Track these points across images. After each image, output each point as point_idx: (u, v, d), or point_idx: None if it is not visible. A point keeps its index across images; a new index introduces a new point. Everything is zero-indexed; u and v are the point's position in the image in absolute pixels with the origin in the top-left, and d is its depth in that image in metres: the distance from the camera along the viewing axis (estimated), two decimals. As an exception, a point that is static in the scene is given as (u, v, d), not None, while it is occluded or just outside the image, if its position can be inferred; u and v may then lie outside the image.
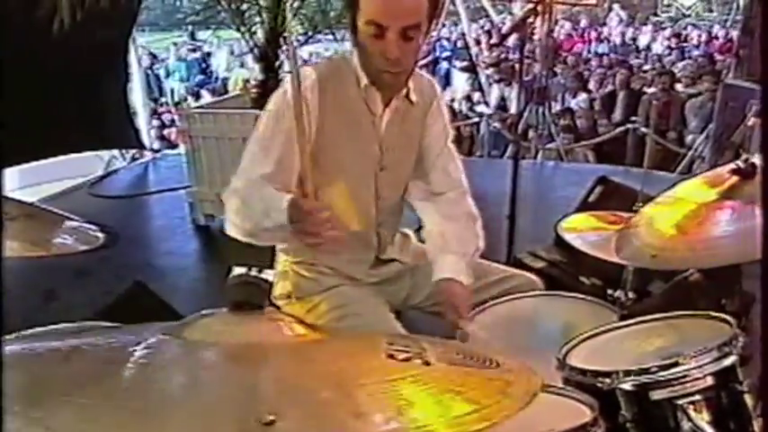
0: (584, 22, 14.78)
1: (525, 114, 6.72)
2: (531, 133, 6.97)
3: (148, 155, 6.58)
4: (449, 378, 0.91)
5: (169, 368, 0.90)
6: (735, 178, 1.57)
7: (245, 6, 4.53)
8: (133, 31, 6.00)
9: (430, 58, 11.34)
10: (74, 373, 0.87)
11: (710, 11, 16.17)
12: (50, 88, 4.47)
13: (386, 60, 1.70)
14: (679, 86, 8.82)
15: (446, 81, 10.98)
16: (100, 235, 1.58)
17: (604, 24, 14.92)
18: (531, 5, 3.53)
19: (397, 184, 1.97)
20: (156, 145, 7.35)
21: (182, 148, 5.34)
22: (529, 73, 7.04)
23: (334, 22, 4.61)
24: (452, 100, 9.56)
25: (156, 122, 8.54)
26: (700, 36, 13.53)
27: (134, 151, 6.46)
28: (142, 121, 6.74)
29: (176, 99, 11.28)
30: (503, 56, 10.59)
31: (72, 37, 4.18)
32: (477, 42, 12.04)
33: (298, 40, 4.78)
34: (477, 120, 8.23)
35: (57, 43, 4.12)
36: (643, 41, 13.60)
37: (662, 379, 1.33)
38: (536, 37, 7.39)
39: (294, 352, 0.94)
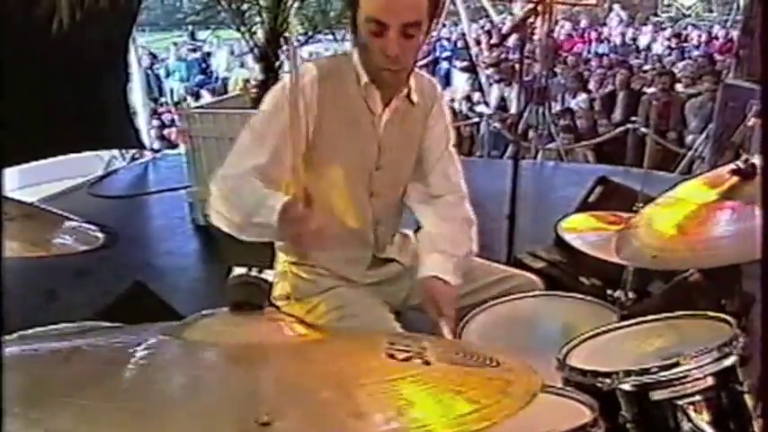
0: (584, 23, 14.78)
1: (525, 114, 6.72)
2: (531, 133, 6.98)
3: (148, 155, 6.58)
4: (449, 378, 0.91)
5: (169, 369, 0.89)
6: (735, 179, 1.57)
7: (245, 6, 4.54)
8: (133, 30, 6.00)
9: (430, 58, 11.35)
10: (74, 374, 0.87)
11: (710, 11, 16.18)
12: (50, 88, 4.47)
13: (386, 58, 1.70)
14: (679, 87, 8.83)
15: (446, 81, 10.98)
16: (100, 235, 1.58)
17: (604, 24, 14.93)
18: (531, 5, 3.53)
19: (394, 185, 1.96)
20: (156, 145, 7.35)
21: (182, 148, 5.35)
22: (529, 73, 7.03)
23: (335, 22, 4.62)
24: (452, 100, 9.56)
25: (155, 122, 8.54)
26: (700, 36, 13.54)
27: (134, 151, 6.46)
28: (142, 120, 6.74)
29: (176, 99, 11.27)
30: (503, 56, 10.59)
31: (72, 37, 4.17)
32: (478, 42, 12.04)
33: (298, 40, 4.78)
34: (477, 120, 8.24)
35: (57, 43, 4.11)
36: (643, 42, 13.60)
37: (662, 379, 1.33)
38: (536, 37, 7.40)
39: (294, 352, 0.94)
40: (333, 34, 4.72)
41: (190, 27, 11.76)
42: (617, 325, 1.62)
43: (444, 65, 11.84)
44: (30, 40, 4.02)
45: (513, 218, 3.32)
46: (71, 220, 1.62)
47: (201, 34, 12.15)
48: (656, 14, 16.23)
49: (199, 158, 4.47)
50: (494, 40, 11.87)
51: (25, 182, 4.57)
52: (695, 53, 11.86)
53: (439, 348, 1.02)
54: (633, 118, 7.08)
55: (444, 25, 12.33)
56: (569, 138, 7.48)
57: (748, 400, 1.34)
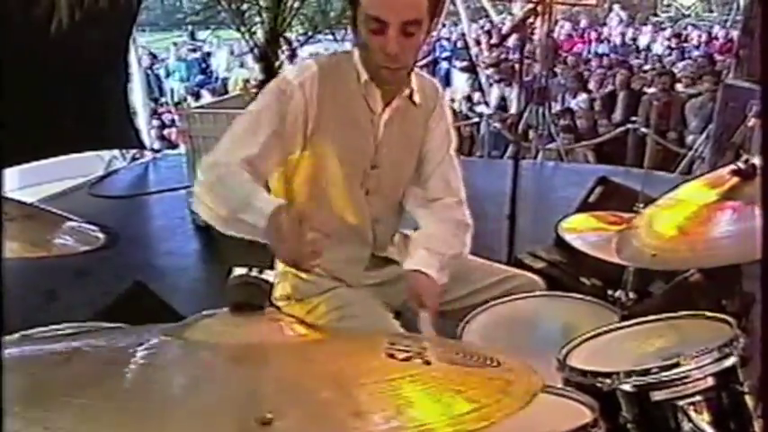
0: (584, 23, 14.77)
1: (525, 114, 6.72)
2: (531, 133, 6.98)
3: (149, 155, 6.58)
4: (449, 377, 0.91)
5: (170, 369, 0.89)
6: (735, 179, 1.57)
7: (245, 6, 4.54)
8: (133, 30, 6.00)
9: (430, 58, 11.35)
10: (74, 375, 0.87)
11: (710, 11, 16.17)
12: (51, 88, 4.47)
13: (385, 56, 1.70)
14: (679, 87, 8.82)
15: (446, 81, 10.98)
16: (100, 235, 1.58)
17: (604, 25, 14.92)
18: (530, 6, 3.53)
19: (393, 184, 1.96)
20: (157, 145, 7.35)
21: (182, 148, 5.35)
22: (529, 73, 7.03)
23: (335, 22, 4.62)
24: (452, 100, 9.56)
25: (156, 122, 8.54)
26: (700, 36, 13.53)
27: (134, 151, 6.47)
28: (142, 121, 6.74)
29: (176, 99, 11.28)
30: (503, 56, 10.59)
31: (72, 37, 4.18)
32: (478, 42, 12.05)
33: (298, 41, 4.79)
34: (477, 120, 8.24)
35: (57, 43, 4.12)
36: (643, 42, 13.60)
37: (662, 380, 1.33)
38: (536, 37, 7.39)
39: (294, 352, 0.94)
40: (333, 34, 4.72)
41: (190, 27, 11.76)
42: (617, 325, 1.62)
43: (444, 65, 11.84)
44: (30, 40, 4.03)
45: (513, 218, 3.32)
46: (71, 220, 1.62)
47: (201, 34, 12.14)
48: (655, 14, 16.23)
49: (199, 158, 4.42)
50: (494, 41, 11.87)
51: (25, 182, 4.57)
52: (695, 53, 11.85)
53: (439, 348, 1.02)
54: (633, 118, 7.08)
55: (444, 25, 12.33)
56: (569, 138, 7.48)
57: (749, 400, 1.34)
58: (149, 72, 10.28)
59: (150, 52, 11.45)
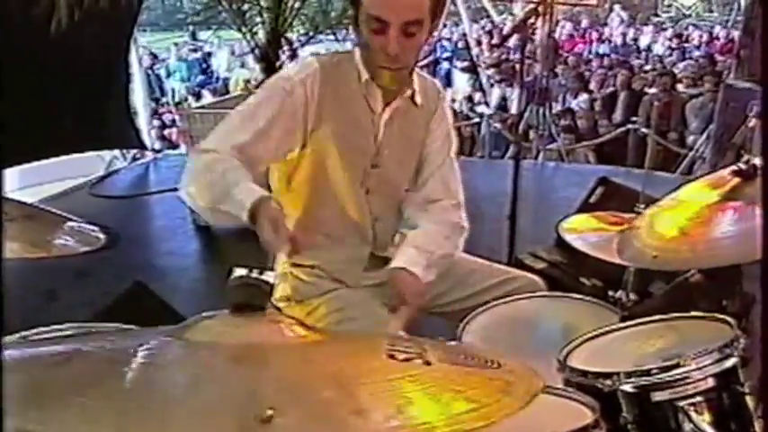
0: (585, 23, 14.78)
1: (526, 115, 6.72)
2: (531, 134, 6.97)
3: (149, 155, 6.58)
4: (449, 377, 0.92)
5: (170, 368, 0.89)
6: (736, 180, 1.57)
7: (246, 7, 4.54)
8: (134, 30, 6.00)
9: (431, 58, 11.36)
10: (74, 375, 0.87)
11: (711, 11, 16.17)
12: (51, 88, 4.47)
13: (386, 56, 1.70)
14: (680, 87, 8.82)
15: (447, 81, 10.99)
16: (101, 236, 1.58)
17: (605, 25, 14.92)
18: (532, 6, 3.53)
19: (393, 184, 1.96)
20: (157, 145, 7.35)
21: (183, 149, 5.35)
22: (530, 73, 7.02)
23: (336, 22, 4.62)
24: (453, 100, 9.57)
25: (156, 122, 8.52)
26: (701, 37, 13.53)
27: (135, 151, 6.46)
28: (143, 121, 6.74)
29: (177, 99, 11.27)
30: (504, 56, 10.60)
31: (73, 37, 4.18)
32: (478, 43, 12.06)
33: (299, 41, 4.79)
34: (477, 120, 8.24)
35: (57, 43, 4.12)
36: (644, 42, 13.59)
37: (663, 380, 1.33)
38: (537, 37, 7.39)
39: (295, 352, 0.94)
40: (334, 34, 4.73)
41: (191, 27, 11.74)
42: (618, 326, 1.62)
43: (445, 65, 11.85)
44: (30, 40, 4.03)
45: (513, 218, 3.32)
46: (72, 220, 1.61)
47: (202, 34, 12.12)
48: (656, 15, 16.23)
49: (199, 159, 4.45)
50: (495, 41, 11.87)
51: (26, 182, 4.57)
52: (696, 54, 11.85)
53: (439, 350, 1.02)
54: (634, 118, 7.09)
55: (445, 26, 12.32)
56: (570, 138, 7.47)
57: (749, 401, 1.34)
58: (150, 72, 10.28)
59: (151, 52, 11.44)
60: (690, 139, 7.61)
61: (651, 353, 1.48)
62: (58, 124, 4.76)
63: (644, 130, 6.44)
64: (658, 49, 12.89)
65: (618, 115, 8.51)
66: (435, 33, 1.82)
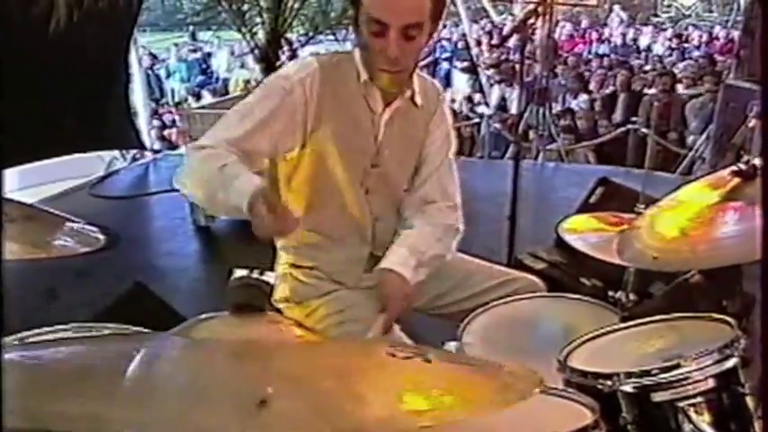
0: (584, 23, 14.78)
1: (526, 115, 6.71)
2: (531, 134, 6.97)
3: (149, 155, 6.57)
4: (448, 371, 0.92)
5: (172, 361, 0.90)
6: (736, 180, 1.57)
7: (245, 7, 4.54)
8: (134, 31, 6.00)
9: (430, 58, 11.35)
10: (74, 374, 0.87)
11: (711, 11, 16.17)
12: (51, 88, 4.47)
13: (385, 59, 1.70)
14: (680, 87, 8.82)
15: (447, 82, 10.99)
16: (100, 236, 1.58)
17: (605, 25, 14.93)
18: (531, 6, 3.53)
19: (392, 184, 1.95)
20: (157, 145, 7.35)
21: (182, 149, 5.34)
22: (529, 74, 7.02)
23: (335, 22, 4.62)
24: (453, 101, 9.56)
25: (156, 123, 8.53)
26: (700, 37, 13.54)
27: (135, 152, 6.46)
28: (143, 121, 6.74)
29: (177, 99, 11.29)
30: (503, 57, 10.61)
31: (73, 37, 4.18)
32: (478, 43, 12.06)
33: (299, 41, 4.79)
34: (477, 120, 8.24)
35: (57, 43, 4.12)
36: (644, 42, 13.61)
37: (663, 381, 1.33)
38: (537, 38, 7.39)
39: (295, 348, 0.94)
40: (334, 35, 4.73)
41: (190, 28, 11.75)
42: (618, 326, 1.62)
43: (445, 65, 11.85)
44: (30, 40, 4.03)
45: (513, 219, 3.32)
46: (72, 221, 1.61)
47: (202, 35, 12.14)
48: (656, 15, 16.23)
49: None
50: (494, 41, 11.88)
51: (26, 183, 4.56)
52: (696, 54, 11.86)
53: (442, 354, 1.03)
54: (634, 119, 7.09)
55: (445, 26, 12.31)
56: (570, 138, 7.47)
57: (749, 401, 1.34)
58: (150, 72, 10.29)
59: (151, 53, 11.45)
60: (690, 139, 7.60)
61: (651, 353, 1.48)
62: (58, 125, 4.75)
63: (644, 130, 6.44)
64: (658, 49, 12.90)
65: (618, 115, 8.52)
66: (435, 35, 1.81)
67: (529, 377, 0.95)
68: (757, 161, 1.52)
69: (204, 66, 12.66)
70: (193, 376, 0.85)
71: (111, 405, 0.78)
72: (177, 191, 1.71)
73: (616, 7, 15.26)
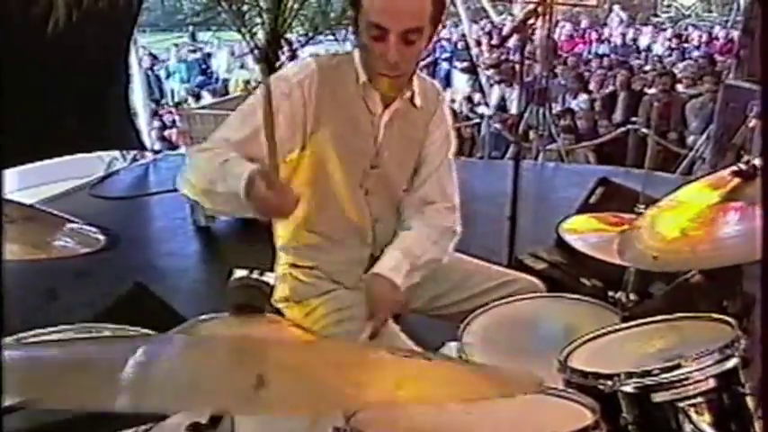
0: (584, 23, 14.78)
1: (526, 115, 6.71)
2: (531, 134, 6.96)
3: (149, 156, 6.57)
4: (446, 367, 0.93)
5: (172, 356, 0.90)
6: (736, 180, 1.57)
7: (245, 8, 4.53)
8: (134, 31, 6.00)
9: (430, 59, 11.35)
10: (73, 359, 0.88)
11: (710, 11, 16.18)
12: (51, 88, 4.47)
13: (385, 63, 1.70)
14: (680, 87, 8.82)
15: (447, 82, 10.99)
16: (101, 237, 1.58)
17: (605, 25, 14.93)
18: (531, 6, 3.53)
19: (392, 185, 1.96)
20: (157, 146, 7.34)
21: (182, 149, 5.34)
22: (529, 74, 7.01)
23: (335, 23, 4.62)
24: (453, 101, 9.56)
25: (156, 123, 8.52)
26: (700, 37, 13.54)
27: (135, 152, 6.46)
28: (143, 121, 6.73)
29: (177, 100, 11.28)
30: (503, 57, 10.60)
31: (73, 38, 4.18)
32: (478, 43, 12.05)
33: (299, 42, 4.79)
34: (477, 121, 8.24)
35: (57, 44, 4.11)
36: (643, 42, 13.61)
37: (663, 381, 1.33)
38: (536, 38, 7.39)
39: (295, 344, 0.95)
40: (333, 35, 4.73)
41: (190, 28, 11.73)
42: (618, 326, 1.62)
43: (445, 66, 11.85)
44: (30, 40, 4.02)
45: (513, 219, 3.32)
46: (72, 221, 1.61)
47: (202, 35, 12.14)
48: (655, 15, 16.24)
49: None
50: (494, 41, 11.87)
51: (26, 183, 4.56)
52: (696, 54, 11.87)
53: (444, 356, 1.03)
54: (634, 119, 7.10)
55: (445, 26, 12.33)
56: (570, 138, 7.47)
57: (750, 401, 1.34)
58: (150, 73, 10.29)
59: (151, 53, 11.45)
60: (690, 139, 7.60)
61: (652, 353, 1.48)
62: (58, 125, 4.75)
63: (644, 130, 6.44)
64: (658, 49, 12.90)
65: (618, 115, 8.52)
66: (434, 37, 1.81)
67: (528, 377, 0.96)
68: (757, 161, 1.52)
69: (204, 66, 12.66)
70: (191, 370, 0.85)
71: (109, 401, 0.78)
72: (177, 191, 1.71)
73: (616, 7, 15.26)
